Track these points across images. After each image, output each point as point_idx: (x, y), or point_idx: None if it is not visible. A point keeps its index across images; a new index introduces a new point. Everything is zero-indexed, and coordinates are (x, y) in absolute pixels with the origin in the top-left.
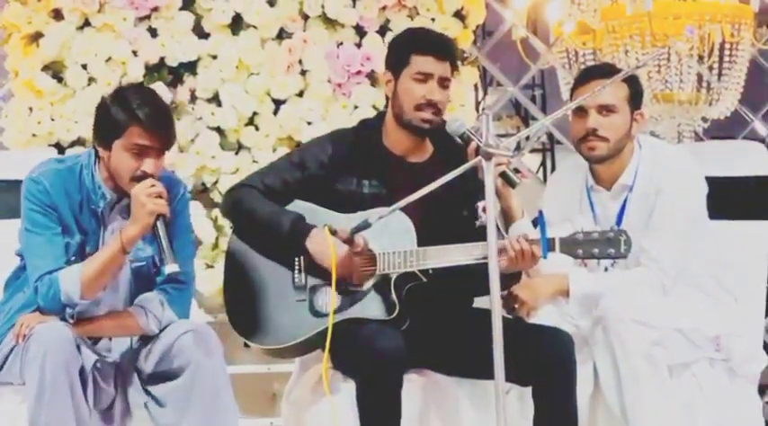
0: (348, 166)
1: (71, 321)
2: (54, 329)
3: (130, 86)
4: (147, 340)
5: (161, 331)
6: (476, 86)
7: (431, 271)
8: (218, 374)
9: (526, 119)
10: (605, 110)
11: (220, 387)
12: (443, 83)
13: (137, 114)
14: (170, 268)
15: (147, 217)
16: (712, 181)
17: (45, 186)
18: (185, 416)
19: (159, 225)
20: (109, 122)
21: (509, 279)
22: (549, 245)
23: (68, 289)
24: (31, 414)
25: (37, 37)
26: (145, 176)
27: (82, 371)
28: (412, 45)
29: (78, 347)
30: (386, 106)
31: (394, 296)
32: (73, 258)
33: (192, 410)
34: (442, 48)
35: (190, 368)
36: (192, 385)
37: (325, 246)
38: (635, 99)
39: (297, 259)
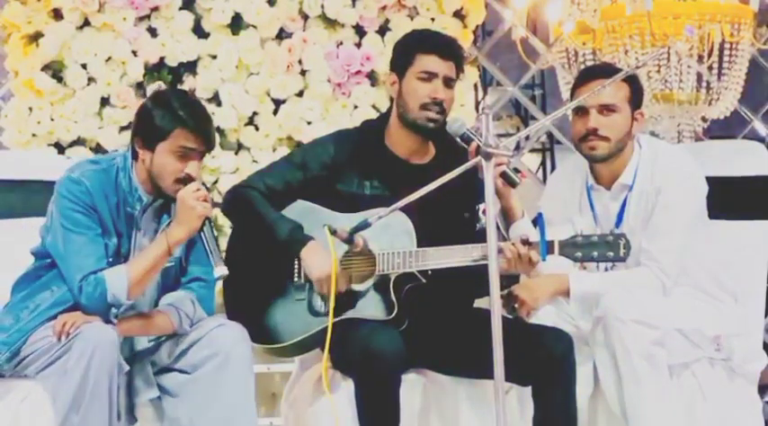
0: (350, 167)
1: (115, 321)
2: (102, 330)
3: (170, 91)
4: (171, 336)
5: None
6: (475, 86)
7: (430, 272)
8: (247, 365)
9: (526, 118)
10: (606, 109)
11: (248, 377)
12: (448, 82)
13: (182, 117)
14: (219, 271)
15: (195, 220)
16: (712, 181)
17: (87, 187)
18: (211, 401)
19: (207, 228)
20: (153, 125)
21: (507, 280)
22: (548, 248)
23: (115, 289)
24: (64, 412)
25: (37, 36)
26: (188, 178)
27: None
28: (417, 45)
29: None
30: (389, 108)
31: (393, 296)
32: (110, 260)
33: (217, 396)
34: (446, 47)
35: (221, 355)
36: (220, 370)
37: (318, 261)
38: (635, 98)
39: (296, 260)
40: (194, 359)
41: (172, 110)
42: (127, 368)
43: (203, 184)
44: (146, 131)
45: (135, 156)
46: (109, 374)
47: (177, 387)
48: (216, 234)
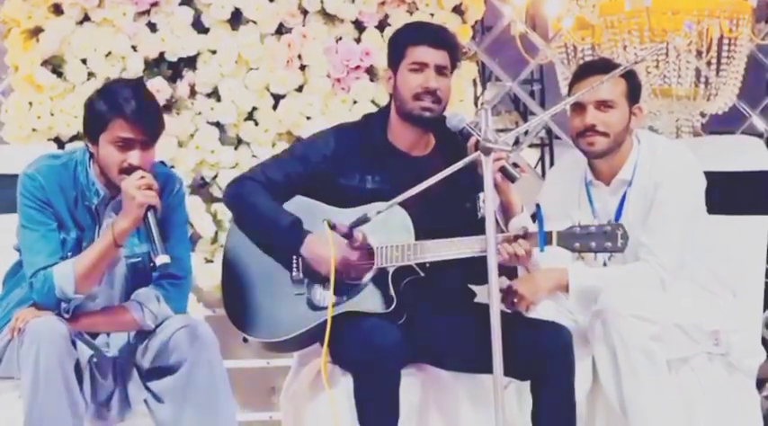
0: (351, 160)
1: (66, 316)
2: (47, 323)
3: (118, 80)
4: (143, 335)
5: (157, 326)
6: (474, 81)
7: (428, 265)
8: (215, 369)
9: (525, 114)
10: (603, 105)
11: (217, 382)
12: (441, 71)
13: (119, 106)
14: (160, 259)
15: (136, 209)
16: (711, 176)
17: (40, 182)
18: (183, 411)
19: (150, 216)
20: (94, 116)
21: (506, 271)
22: (546, 238)
23: (62, 284)
24: (26, 408)
25: (37, 32)
26: (132, 169)
27: (77, 366)
28: (407, 37)
29: (74, 342)
30: (389, 102)
31: (392, 289)
32: (70, 254)
33: (190, 405)
34: (435, 36)
35: (186, 365)
36: (188, 380)
37: (319, 254)
38: (633, 94)
39: (295, 255)
40: (166, 363)
41: (110, 100)
42: (77, 356)
43: (204, 180)
44: (88, 123)
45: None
46: (59, 365)
47: (160, 391)
48: (157, 221)
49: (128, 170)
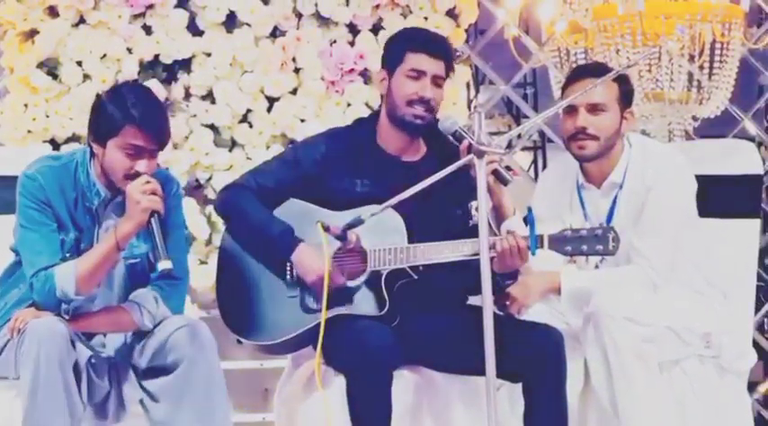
0: (342, 165)
1: (66, 317)
2: (48, 324)
3: (126, 84)
4: (141, 336)
5: (155, 326)
6: (468, 85)
7: (421, 269)
8: (212, 369)
9: (518, 117)
10: (595, 108)
11: (214, 382)
12: (437, 81)
13: (132, 114)
14: (163, 264)
15: (141, 213)
16: (702, 180)
17: (40, 182)
18: (179, 411)
19: (153, 221)
20: (104, 121)
21: (503, 278)
22: (537, 242)
23: (63, 285)
24: (25, 408)
25: (32, 34)
26: (137, 175)
27: (76, 366)
28: (406, 43)
29: (72, 342)
30: (380, 105)
31: (384, 292)
32: (68, 254)
33: (186, 405)
34: (435, 46)
35: (184, 364)
36: (185, 380)
37: (309, 265)
38: (625, 97)
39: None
40: (163, 363)
41: (123, 106)
42: (76, 356)
43: (199, 182)
44: (97, 126)
45: (92, 151)
46: (59, 365)
47: (155, 391)
48: (161, 227)
49: (133, 176)
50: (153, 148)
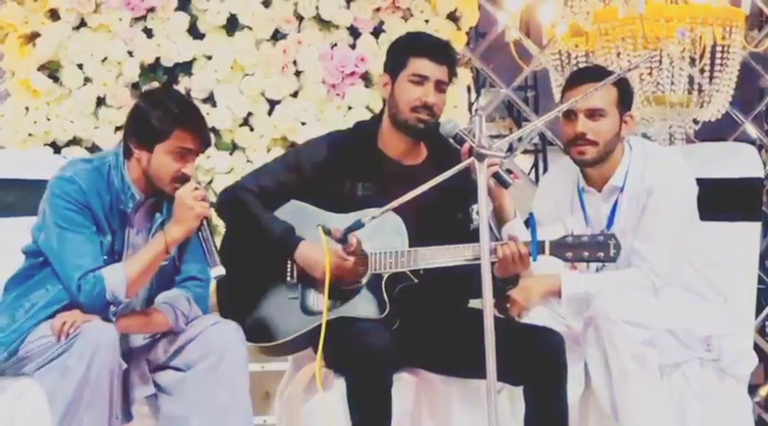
0: (343, 168)
1: (113, 319)
2: (103, 329)
3: (157, 90)
4: (166, 334)
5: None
6: (469, 88)
7: (422, 272)
8: (241, 367)
9: (519, 120)
10: (594, 113)
11: (241, 380)
12: (440, 86)
13: (181, 118)
14: (216, 271)
15: (193, 219)
16: (703, 183)
17: (80, 185)
18: (205, 399)
19: (204, 227)
20: (151, 126)
21: (505, 283)
22: (539, 248)
23: (114, 287)
24: (63, 410)
25: (33, 37)
26: (184, 178)
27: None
28: (410, 47)
29: None
30: (382, 109)
31: (385, 295)
32: (105, 257)
33: (208, 398)
34: (439, 51)
35: (215, 354)
36: (214, 369)
37: (313, 259)
38: (624, 101)
39: (288, 260)
40: (189, 357)
41: (169, 111)
42: (125, 365)
43: (198, 183)
44: (143, 132)
45: (128, 155)
46: (110, 373)
47: (172, 385)
48: (212, 234)
49: (180, 179)
50: (199, 150)
